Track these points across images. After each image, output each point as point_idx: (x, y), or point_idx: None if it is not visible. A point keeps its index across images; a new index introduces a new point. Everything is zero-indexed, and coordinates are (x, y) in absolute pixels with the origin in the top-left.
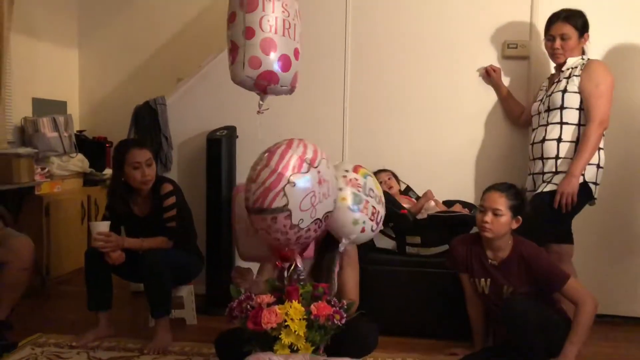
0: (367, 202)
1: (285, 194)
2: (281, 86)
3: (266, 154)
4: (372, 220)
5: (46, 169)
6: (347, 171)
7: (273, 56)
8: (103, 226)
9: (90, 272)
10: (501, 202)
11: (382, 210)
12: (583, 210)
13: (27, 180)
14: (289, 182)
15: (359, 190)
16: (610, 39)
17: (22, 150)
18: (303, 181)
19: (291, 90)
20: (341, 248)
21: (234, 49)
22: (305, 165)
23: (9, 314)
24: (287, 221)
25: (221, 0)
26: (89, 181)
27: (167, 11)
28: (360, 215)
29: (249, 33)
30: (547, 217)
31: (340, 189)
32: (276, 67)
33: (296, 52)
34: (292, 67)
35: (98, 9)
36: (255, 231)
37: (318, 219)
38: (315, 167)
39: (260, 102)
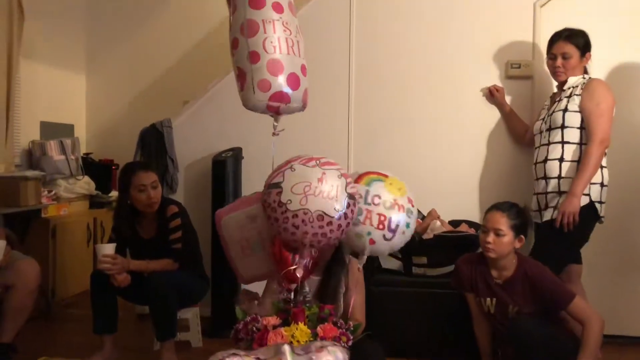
0: (370, 211)
1: (283, 175)
2: (293, 104)
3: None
4: (380, 228)
5: (53, 192)
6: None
7: (281, 76)
8: (109, 248)
9: (95, 294)
10: (503, 222)
11: (395, 215)
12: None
13: (34, 203)
14: (290, 167)
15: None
16: (612, 59)
17: (30, 173)
18: (302, 169)
19: (303, 107)
20: (360, 265)
21: (241, 75)
22: (313, 162)
23: (14, 337)
24: (276, 197)
25: (226, 23)
26: (95, 203)
27: (173, 35)
28: (361, 227)
29: (254, 57)
30: (561, 243)
31: None
32: (286, 86)
33: (303, 69)
34: (302, 84)
35: (105, 34)
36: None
37: (308, 210)
38: (323, 168)
39: (275, 124)
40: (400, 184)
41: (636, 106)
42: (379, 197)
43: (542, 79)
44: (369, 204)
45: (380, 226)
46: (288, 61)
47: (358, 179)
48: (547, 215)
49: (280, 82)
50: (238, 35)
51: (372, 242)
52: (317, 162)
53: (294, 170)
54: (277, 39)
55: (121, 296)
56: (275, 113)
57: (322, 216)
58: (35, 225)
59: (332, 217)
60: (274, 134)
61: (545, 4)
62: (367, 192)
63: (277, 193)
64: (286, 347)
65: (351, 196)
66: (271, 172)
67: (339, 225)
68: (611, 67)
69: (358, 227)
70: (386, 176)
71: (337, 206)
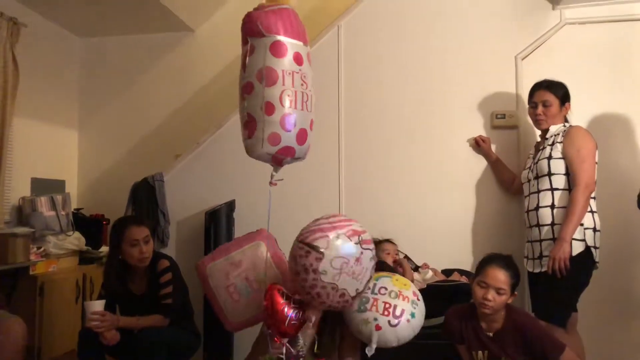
0: (376, 299)
1: (328, 242)
2: (296, 158)
3: (335, 214)
4: (385, 315)
5: (42, 248)
6: None
7: (292, 132)
8: (98, 305)
9: (83, 353)
10: (504, 282)
11: (401, 304)
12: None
13: (23, 260)
14: (337, 236)
15: (365, 293)
16: (591, 107)
17: (19, 230)
18: (347, 246)
19: (303, 159)
20: (369, 353)
21: (251, 123)
22: (356, 238)
23: None
24: (315, 262)
25: (217, 78)
26: (84, 259)
27: (165, 91)
28: (368, 314)
29: (269, 109)
30: (564, 294)
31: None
32: (294, 142)
33: (311, 124)
34: (308, 139)
35: (98, 90)
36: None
37: (336, 287)
38: (362, 248)
39: (273, 173)
40: (406, 281)
41: (616, 152)
42: (385, 289)
43: (527, 129)
44: (376, 294)
45: (386, 312)
46: (300, 117)
47: None
48: (545, 265)
49: (291, 138)
50: (254, 81)
51: (379, 327)
52: (360, 238)
53: (340, 242)
54: (294, 93)
55: (110, 354)
56: (278, 165)
57: (344, 294)
58: (22, 283)
59: (352, 296)
60: (271, 183)
61: (526, 57)
62: (375, 284)
63: (316, 258)
64: None
65: (370, 278)
66: (312, 227)
67: (350, 303)
68: (591, 116)
69: (365, 313)
70: (393, 274)
71: (360, 287)
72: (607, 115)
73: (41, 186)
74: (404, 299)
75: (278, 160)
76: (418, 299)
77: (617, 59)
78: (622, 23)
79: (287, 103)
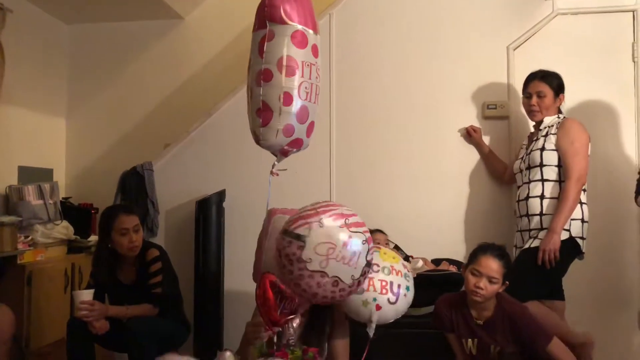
0: (371, 278)
1: (309, 228)
2: (301, 149)
3: (321, 202)
4: (384, 293)
5: (30, 237)
6: None
7: (305, 124)
8: (86, 294)
9: (72, 343)
10: (497, 271)
11: (396, 279)
12: (573, 265)
13: (10, 249)
14: (319, 221)
15: None
16: (582, 97)
17: (5, 218)
18: (330, 229)
19: (304, 149)
20: (371, 334)
21: (266, 111)
22: (341, 221)
23: None
24: (297, 251)
25: (207, 67)
26: (73, 248)
27: (155, 79)
28: (367, 294)
29: (287, 99)
30: (535, 273)
31: None
32: (304, 134)
33: (316, 116)
34: (314, 131)
35: (86, 78)
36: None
37: (325, 273)
38: (350, 231)
39: (276, 163)
40: (392, 254)
41: (606, 142)
42: (378, 265)
43: (518, 120)
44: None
45: (384, 291)
46: (312, 110)
47: None
48: (527, 244)
49: (303, 130)
50: (273, 69)
51: (379, 307)
52: (346, 221)
53: (322, 226)
54: (310, 85)
55: (99, 344)
56: (283, 155)
57: (337, 282)
58: (10, 272)
59: (346, 284)
60: (272, 173)
61: (517, 47)
62: None
63: (298, 247)
64: None
65: (369, 263)
66: (295, 217)
67: (350, 292)
68: (581, 106)
69: (363, 294)
70: (379, 248)
71: (355, 274)
72: (597, 105)
73: (28, 174)
74: (397, 274)
75: (285, 152)
76: (408, 270)
77: (608, 49)
78: (613, 14)
79: (303, 95)
